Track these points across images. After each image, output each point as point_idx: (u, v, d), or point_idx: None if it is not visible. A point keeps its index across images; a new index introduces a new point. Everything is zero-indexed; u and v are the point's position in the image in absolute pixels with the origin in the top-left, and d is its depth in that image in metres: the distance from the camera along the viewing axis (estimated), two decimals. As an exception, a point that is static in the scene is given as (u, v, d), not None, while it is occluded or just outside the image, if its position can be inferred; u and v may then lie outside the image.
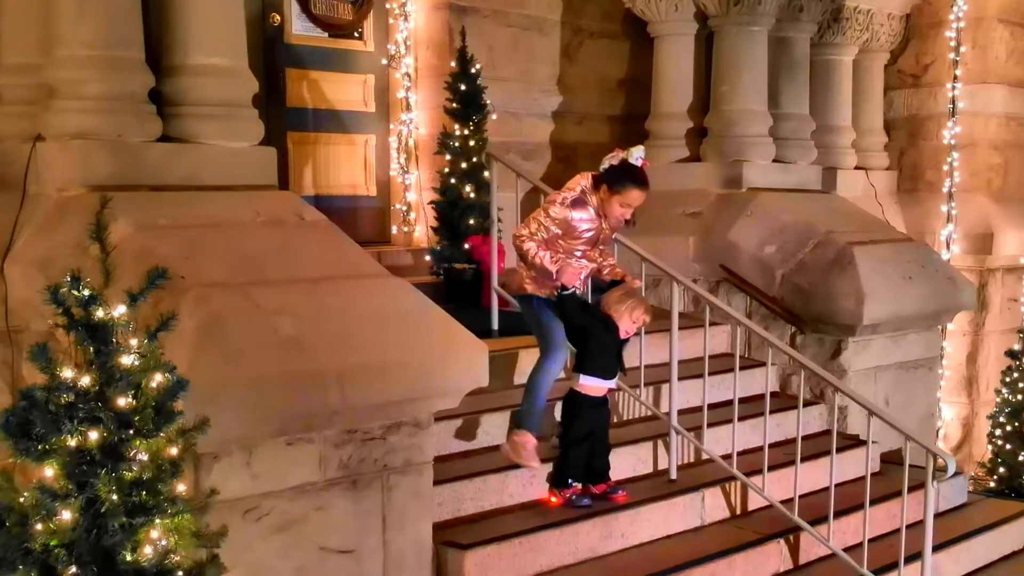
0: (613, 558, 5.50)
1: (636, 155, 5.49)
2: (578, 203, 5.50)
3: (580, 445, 5.61)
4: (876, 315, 7.24)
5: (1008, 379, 8.61)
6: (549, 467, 5.70)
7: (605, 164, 5.54)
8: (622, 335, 5.54)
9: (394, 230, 8.35)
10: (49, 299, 3.11)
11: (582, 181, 5.58)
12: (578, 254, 5.59)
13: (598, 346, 5.53)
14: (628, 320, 5.49)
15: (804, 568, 5.91)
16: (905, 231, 9.30)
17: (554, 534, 5.37)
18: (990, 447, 8.75)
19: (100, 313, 3.14)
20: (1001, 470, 8.51)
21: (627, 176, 5.44)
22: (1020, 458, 8.37)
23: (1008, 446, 8.47)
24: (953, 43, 9.57)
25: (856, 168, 9.79)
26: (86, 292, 3.14)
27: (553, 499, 5.60)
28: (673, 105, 8.44)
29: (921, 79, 10.16)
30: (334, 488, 4.73)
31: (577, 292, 5.58)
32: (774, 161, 8.25)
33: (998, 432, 8.59)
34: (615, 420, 6.31)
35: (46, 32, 5.00)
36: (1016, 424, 8.46)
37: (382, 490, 4.91)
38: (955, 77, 9.55)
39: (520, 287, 5.68)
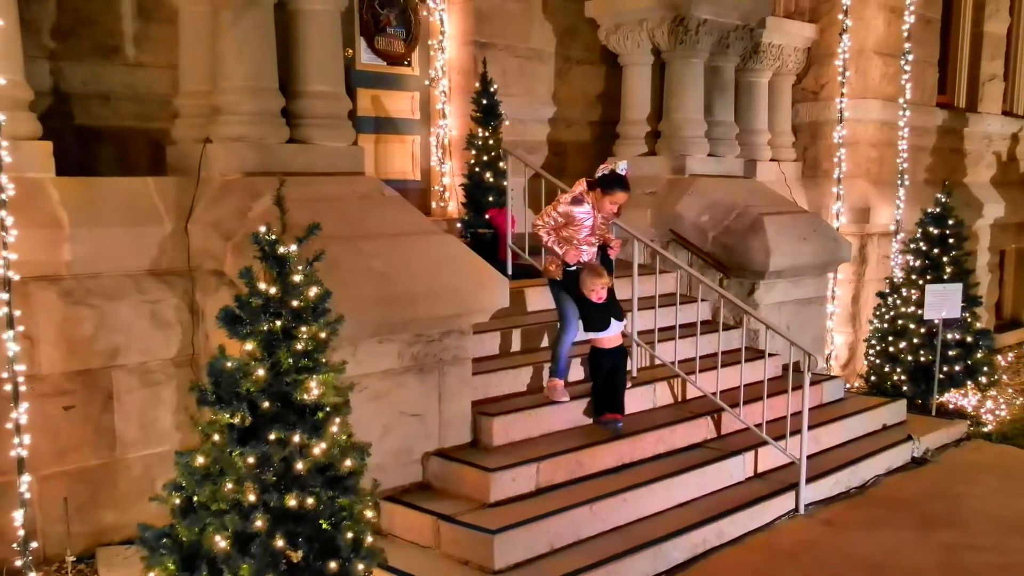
0: (591, 426, 5.97)
1: (622, 167, 5.80)
2: (576, 201, 5.83)
3: (603, 387, 5.95)
4: (779, 265, 7.64)
5: (878, 313, 8.89)
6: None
7: (599, 172, 5.79)
8: (595, 300, 5.83)
9: (433, 205, 8.46)
10: (252, 241, 3.69)
11: (579, 186, 5.89)
12: (582, 239, 5.86)
13: (585, 309, 5.87)
14: (592, 294, 5.79)
15: (724, 437, 6.35)
16: (806, 206, 9.50)
17: (552, 409, 5.88)
18: (866, 363, 9.02)
19: (281, 249, 3.71)
20: (873, 378, 8.83)
21: (616, 183, 5.77)
22: (886, 369, 8.65)
23: (878, 361, 8.78)
24: (841, 69, 9.58)
25: (771, 160, 9.85)
26: (272, 237, 3.71)
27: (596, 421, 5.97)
28: (636, 114, 8.60)
29: (819, 94, 10.21)
30: (407, 372, 5.23)
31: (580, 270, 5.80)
32: (709, 155, 8.46)
33: (871, 352, 8.90)
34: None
35: (213, 70, 5.43)
36: (883, 345, 8.72)
37: (438, 375, 5.37)
38: (842, 94, 9.60)
39: (547, 272, 6.02)
